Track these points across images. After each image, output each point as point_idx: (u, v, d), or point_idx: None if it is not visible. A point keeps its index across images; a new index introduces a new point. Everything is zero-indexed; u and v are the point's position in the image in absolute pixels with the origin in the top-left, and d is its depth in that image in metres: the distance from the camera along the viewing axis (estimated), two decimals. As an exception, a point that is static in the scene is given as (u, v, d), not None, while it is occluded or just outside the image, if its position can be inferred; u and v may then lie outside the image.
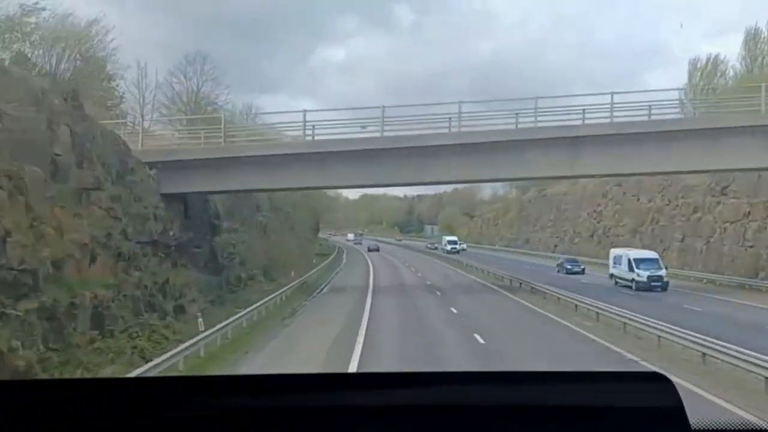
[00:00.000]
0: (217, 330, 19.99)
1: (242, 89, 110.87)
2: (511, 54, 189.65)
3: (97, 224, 21.04)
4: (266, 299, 29.50)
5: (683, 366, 16.92)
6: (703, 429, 1.57)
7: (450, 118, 31.64)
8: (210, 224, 35.67)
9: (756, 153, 28.53)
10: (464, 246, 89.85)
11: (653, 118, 31.99)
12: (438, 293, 37.27)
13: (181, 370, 17.14)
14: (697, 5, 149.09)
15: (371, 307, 30.18)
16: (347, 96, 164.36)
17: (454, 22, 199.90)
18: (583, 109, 31.88)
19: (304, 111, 30.79)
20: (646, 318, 22.47)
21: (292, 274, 46.34)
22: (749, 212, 44.07)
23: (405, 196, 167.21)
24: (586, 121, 31.16)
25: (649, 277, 38.42)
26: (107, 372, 17.01)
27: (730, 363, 15.81)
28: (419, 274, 53.16)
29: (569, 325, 24.83)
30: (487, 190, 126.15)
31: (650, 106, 33.47)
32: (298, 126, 31.80)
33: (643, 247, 61.95)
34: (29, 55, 30.78)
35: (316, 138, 31.54)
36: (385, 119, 31.10)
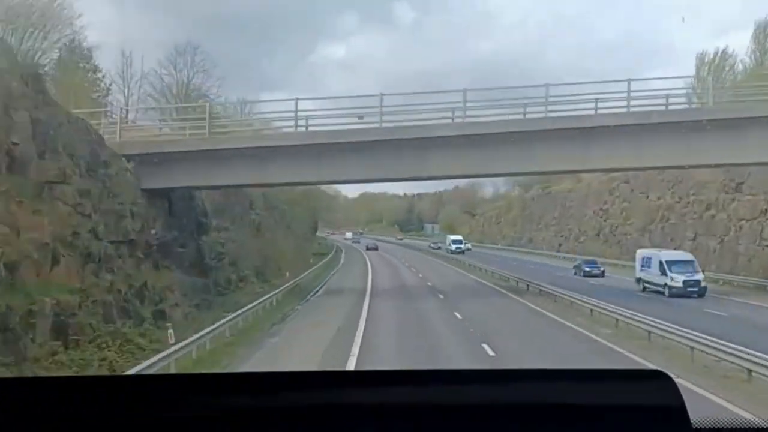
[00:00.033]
0: (192, 342, 17.70)
1: (241, 88, 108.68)
2: (512, 54, 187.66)
3: (61, 222, 18.84)
4: (255, 303, 27.28)
5: (724, 384, 14.72)
6: (705, 428, 1.57)
7: (453, 110, 29.44)
8: (197, 222, 33.47)
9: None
10: (469, 246, 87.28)
11: (670, 108, 29.89)
12: (440, 296, 34.98)
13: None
14: (697, 4, 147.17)
15: (368, 312, 27.94)
16: (347, 94, 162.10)
17: (455, 21, 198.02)
18: (596, 99, 29.62)
19: (296, 99, 28.54)
20: (669, 324, 20.31)
21: (287, 274, 44.36)
22: (767, 209, 42.07)
23: (405, 194, 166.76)
24: (601, 111, 28.94)
25: (685, 281, 34.01)
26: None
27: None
28: (420, 275, 50.93)
29: (587, 333, 22.61)
30: (488, 188, 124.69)
31: (667, 95, 31.37)
32: (292, 117, 29.55)
33: (653, 246, 60.30)
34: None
35: (310, 129, 29.31)
36: (383, 109, 28.87)
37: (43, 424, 1.36)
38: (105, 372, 16.96)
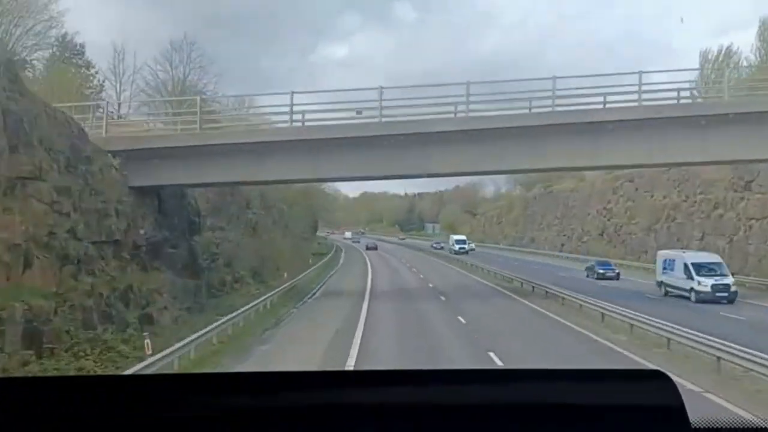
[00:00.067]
0: (174, 352, 16.31)
1: (241, 87, 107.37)
2: (512, 53, 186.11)
3: (35, 221, 17.48)
4: (248, 306, 25.94)
5: (758, 399, 13.38)
6: (704, 427, 1.58)
7: (456, 105, 28.06)
8: (189, 221, 32.10)
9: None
10: (473, 246, 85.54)
11: (681, 102, 28.58)
12: (442, 298, 33.57)
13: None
14: (698, 4, 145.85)
15: (367, 316, 26.59)
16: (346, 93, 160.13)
17: (455, 21, 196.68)
18: (604, 94, 28.21)
19: (291, 92, 27.14)
20: (688, 330, 18.95)
21: (285, 275, 43.08)
22: (777, 208, 40.93)
23: (406, 194, 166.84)
24: (610, 105, 27.57)
25: (713, 286, 31.08)
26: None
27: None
28: (421, 276, 49.58)
29: (598, 339, 21.26)
30: (489, 188, 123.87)
31: (678, 89, 30.04)
32: (287, 112, 28.16)
33: (659, 247, 58.96)
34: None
35: (307, 125, 27.94)
36: (383, 104, 27.50)
37: (43, 424, 1.36)
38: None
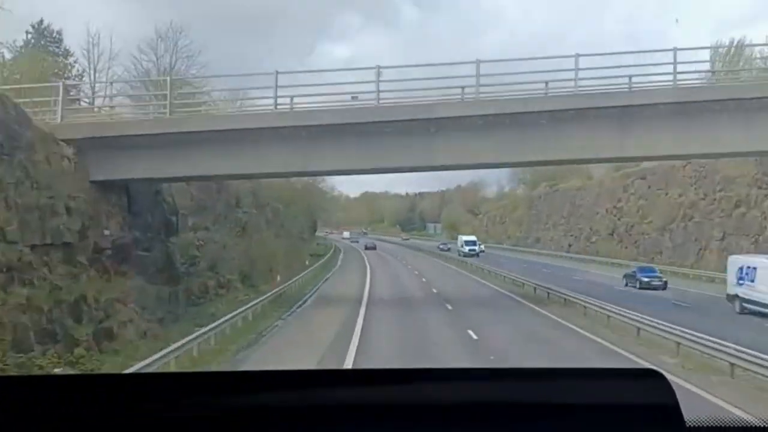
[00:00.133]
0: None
1: (235, 81, 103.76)
2: (513, 54, 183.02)
3: (-51, 220, 14.12)
4: (226, 318, 22.57)
5: None
6: (698, 426, 1.57)
7: (463, 88, 24.52)
8: (165, 221, 28.66)
9: None
10: (482, 247, 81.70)
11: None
12: (448, 306, 29.94)
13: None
14: (698, 4, 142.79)
15: (363, 328, 23.14)
16: (347, 93, 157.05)
17: (456, 21, 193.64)
18: (629, 76, 24.67)
19: (276, 72, 23.65)
20: (749, 351, 15.56)
21: (278, 278, 39.91)
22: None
23: (407, 193, 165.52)
24: (637, 87, 24.07)
25: None
26: None
27: None
28: (423, 279, 46.16)
29: (636, 359, 17.86)
30: (492, 187, 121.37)
31: (712, 70, 26.67)
32: (272, 96, 24.67)
33: (675, 248, 55.77)
34: None
35: (296, 109, 24.45)
36: (381, 86, 24.06)
37: (43, 423, 1.35)
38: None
